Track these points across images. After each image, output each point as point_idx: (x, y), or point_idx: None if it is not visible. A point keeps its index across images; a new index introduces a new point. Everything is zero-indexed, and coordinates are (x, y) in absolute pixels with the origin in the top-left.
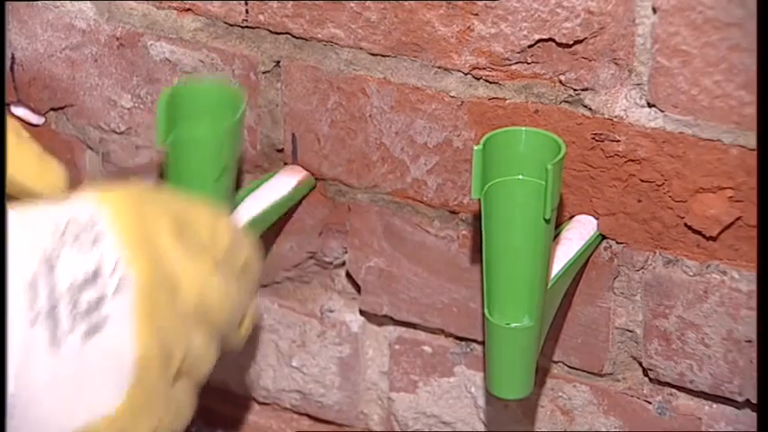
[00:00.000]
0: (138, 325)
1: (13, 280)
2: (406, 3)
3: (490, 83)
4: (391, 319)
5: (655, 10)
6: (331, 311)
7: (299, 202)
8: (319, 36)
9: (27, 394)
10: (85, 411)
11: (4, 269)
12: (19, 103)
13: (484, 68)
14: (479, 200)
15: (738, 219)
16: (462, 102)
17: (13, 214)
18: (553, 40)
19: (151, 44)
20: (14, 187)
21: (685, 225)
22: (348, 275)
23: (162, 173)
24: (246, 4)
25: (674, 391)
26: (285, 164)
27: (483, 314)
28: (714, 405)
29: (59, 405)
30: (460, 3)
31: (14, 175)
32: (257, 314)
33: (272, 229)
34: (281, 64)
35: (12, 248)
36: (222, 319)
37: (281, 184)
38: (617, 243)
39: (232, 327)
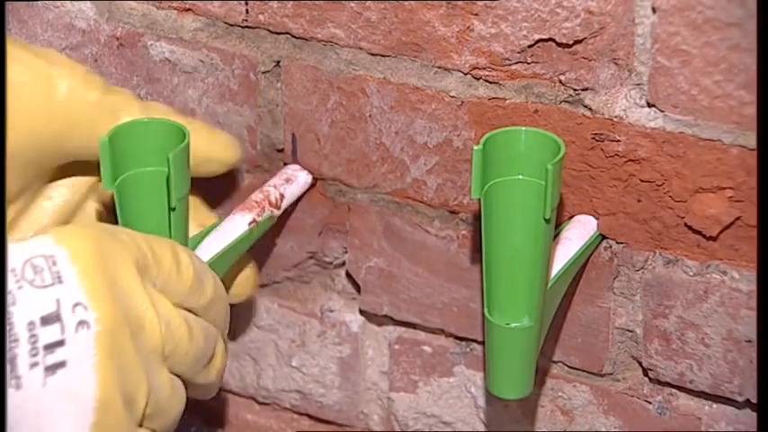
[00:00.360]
0: (99, 366)
1: None
2: (406, 3)
3: (490, 83)
4: (391, 319)
5: (655, 10)
6: (331, 311)
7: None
8: (319, 36)
9: None
10: None
11: (3, 269)
12: None
13: (484, 68)
14: (479, 200)
15: (738, 219)
16: (462, 102)
17: None
18: (553, 40)
19: (151, 44)
20: (194, 158)
21: (685, 225)
22: (348, 275)
23: (115, 215)
24: (246, 4)
25: (674, 391)
26: (285, 163)
27: (483, 314)
28: (714, 405)
29: None
30: (460, 3)
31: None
32: (227, 353)
33: (271, 230)
34: (281, 64)
35: None
36: (188, 358)
37: (237, 225)
38: (617, 243)
39: (199, 366)
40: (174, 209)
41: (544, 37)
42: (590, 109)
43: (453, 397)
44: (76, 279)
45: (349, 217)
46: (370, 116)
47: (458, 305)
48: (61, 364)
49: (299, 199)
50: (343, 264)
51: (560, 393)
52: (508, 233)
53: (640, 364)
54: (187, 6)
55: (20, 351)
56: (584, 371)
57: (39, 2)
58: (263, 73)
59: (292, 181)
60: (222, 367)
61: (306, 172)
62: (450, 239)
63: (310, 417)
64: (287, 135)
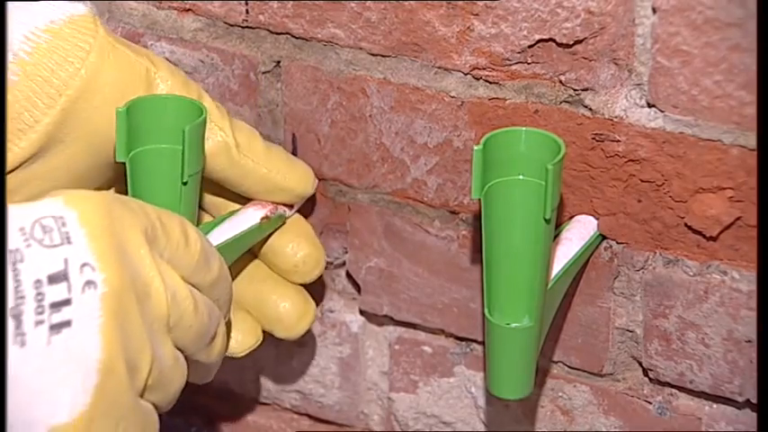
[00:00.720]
0: (104, 328)
1: None
2: (406, 3)
3: (490, 83)
4: (391, 319)
5: (655, 10)
6: (331, 311)
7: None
8: (319, 36)
9: None
10: (47, 415)
11: (3, 269)
12: None
13: (484, 68)
14: (479, 200)
15: (738, 219)
16: (462, 102)
17: None
18: (553, 41)
19: (151, 44)
20: (269, 185)
21: (685, 225)
22: (348, 275)
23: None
24: (246, 4)
25: (674, 391)
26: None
27: (483, 314)
28: (714, 405)
29: (23, 403)
30: (460, 3)
31: (269, 174)
32: (228, 338)
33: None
34: (281, 64)
35: None
36: (192, 332)
37: (249, 218)
38: (617, 243)
39: (202, 343)
40: (185, 183)
41: (544, 37)
42: (590, 109)
43: (453, 397)
44: (85, 241)
45: (349, 217)
46: (370, 116)
47: (458, 305)
48: (66, 324)
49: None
50: (344, 264)
51: (560, 393)
52: (508, 233)
53: (640, 364)
54: (187, 6)
55: (26, 308)
56: (585, 371)
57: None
58: (263, 73)
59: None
60: (223, 349)
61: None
62: (450, 239)
63: (310, 417)
64: (287, 135)
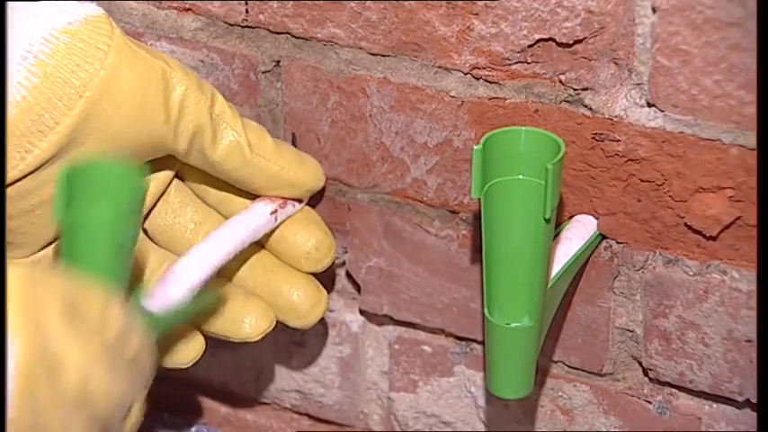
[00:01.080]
0: (13, 402)
1: None
2: (406, 3)
3: (490, 83)
4: (391, 318)
5: (655, 10)
6: (331, 311)
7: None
8: (319, 36)
9: None
10: None
11: (3, 271)
12: None
13: (484, 68)
14: (479, 200)
15: (738, 218)
16: (462, 101)
17: None
18: (553, 40)
19: (151, 44)
20: (281, 181)
21: (685, 225)
22: (348, 275)
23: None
24: (246, 3)
25: (674, 390)
26: None
27: (483, 314)
28: (714, 405)
29: None
30: (460, 3)
31: (280, 171)
32: (143, 411)
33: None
34: (281, 64)
35: None
36: (105, 409)
37: (259, 213)
38: (617, 243)
39: (116, 419)
40: (117, 252)
41: (544, 37)
42: (590, 109)
43: (453, 397)
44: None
45: (349, 217)
46: (370, 116)
47: (458, 305)
48: None
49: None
50: (344, 263)
51: (560, 393)
52: (508, 233)
53: (640, 363)
54: (187, 6)
55: None
56: (585, 371)
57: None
58: (263, 73)
59: (287, 204)
60: (137, 423)
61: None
62: (450, 239)
63: (310, 417)
64: (287, 135)
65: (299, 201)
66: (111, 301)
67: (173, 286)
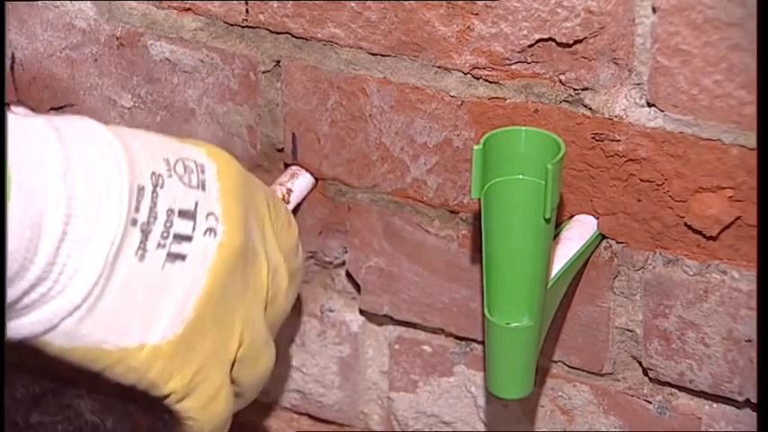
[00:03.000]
0: (212, 273)
1: (124, 178)
2: (406, 2)
3: (490, 82)
4: (391, 318)
5: (655, 10)
6: (331, 311)
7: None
8: (319, 36)
9: (102, 288)
10: (140, 330)
11: (3, 270)
12: (19, 102)
13: (484, 68)
14: (479, 199)
15: (738, 218)
16: (462, 101)
17: (128, 133)
18: (553, 40)
19: (151, 44)
20: None
21: (685, 225)
22: (348, 275)
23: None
24: (246, 3)
25: (674, 390)
26: (285, 165)
27: (483, 314)
28: (714, 405)
29: (123, 313)
30: (460, 2)
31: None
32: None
33: None
34: (281, 64)
35: (134, 150)
36: (279, 311)
37: None
38: (617, 243)
39: (276, 328)
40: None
41: (544, 37)
42: (590, 109)
43: (453, 397)
44: (217, 194)
45: (349, 217)
46: (370, 116)
47: (458, 305)
48: (182, 257)
49: (303, 199)
50: (344, 263)
51: (560, 393)
52: (508, 233)
53: (640, 363)
54: (187, 6)
55: (155, 228)
56: (584, 371)
57: (39, 1)
58: (263, 73)
59: (298, 175)
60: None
61: (309, 173)
62: (450, 239)
63: (310, 417)
64: (287, 135)
65: (287, 202)
66: (291, 216)
67: None
